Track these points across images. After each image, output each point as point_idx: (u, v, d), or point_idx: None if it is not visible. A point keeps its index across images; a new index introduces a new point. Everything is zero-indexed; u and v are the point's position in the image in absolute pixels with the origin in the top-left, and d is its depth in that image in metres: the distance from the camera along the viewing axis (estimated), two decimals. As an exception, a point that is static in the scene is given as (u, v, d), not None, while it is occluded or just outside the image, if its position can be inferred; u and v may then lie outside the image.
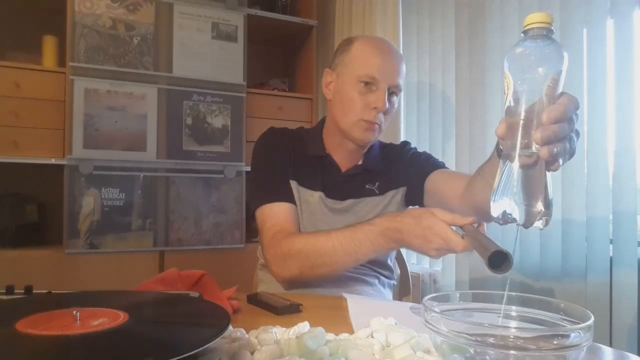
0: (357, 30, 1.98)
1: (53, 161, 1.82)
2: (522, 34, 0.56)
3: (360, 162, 1.16)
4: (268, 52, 2.57)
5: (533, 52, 0.54)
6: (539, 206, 0.53)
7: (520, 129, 0.55)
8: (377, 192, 1.14)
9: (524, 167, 0.54)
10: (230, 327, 0.56)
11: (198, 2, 2.00)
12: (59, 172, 1.82)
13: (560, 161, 0.57)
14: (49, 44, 1.95)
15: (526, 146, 0.54)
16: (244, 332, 0.58)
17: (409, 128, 1.82)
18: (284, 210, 1.06)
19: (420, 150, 1.22)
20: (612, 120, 1.14)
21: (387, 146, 1.25)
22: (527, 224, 0.54)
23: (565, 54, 0.54)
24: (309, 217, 1.11)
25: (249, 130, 2.11)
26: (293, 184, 1.12)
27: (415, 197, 1.15)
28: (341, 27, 2.12)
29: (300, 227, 1.10)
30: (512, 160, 0.55)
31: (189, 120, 1.99)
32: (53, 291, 0.73)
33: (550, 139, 0.54)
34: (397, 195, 1.15)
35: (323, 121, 1.22)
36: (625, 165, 1.11)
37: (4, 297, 0.70)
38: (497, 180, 0.56)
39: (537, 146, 0.54)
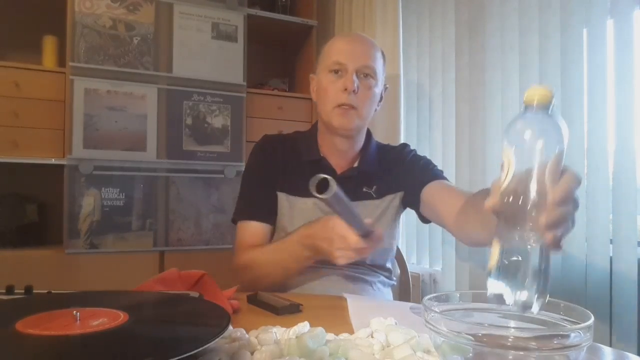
0: (357, 30, 1.98)
1: (53, 161, 1.82)
2: (523, 107, 0.53)
3: (356, 164, 1.16)
4: (268, 52, 2.57)
5: (535, 128, 0.51)
6: (533, 293, 0.50)
7: (519, 209, 0.51)
8: (375, 195, 1.13)
9: (523, 251, 0.51)
10: (230, 327, 0.56)
11: (198, 2, 2.00)
12: (59, 172, 1.82)
13: (562, 242, 0.52)
14: (49, 44, 1.95)
15: (526, 227, 0.51)
16: (244, 332, 0.58)
17: (409, 128, 1.82)
18: (254, 229, 1.12)
19: (421, 151, 1.22)
20: (612, 120, 1.14)
21: (384, 147, 1.25)
22: (521, 311, 0.51)
23: (567, 131, 0.51)
24: (301, 221, 1.09)
25: (249, 130, 2.11)
26: (282, 195, 1.13)
27: (411, 203, 1.15)
28: (341, 27, 2.12)
29: (292, 229, 1.11)
30: (509, 241, 0.51)
31: (189, 120, 1.99)
32: (53, 291, 0.73)
33: (555, 223, 0.50)
34: (395, 199, 1.15)
35: (317, 124, 1.22)
36: (625, 165, 1.11)
37: (4, 297, 0.70)
38: (494, 259, 0.51)
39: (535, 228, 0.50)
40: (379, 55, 1.13)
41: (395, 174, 1.16)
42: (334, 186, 0.62)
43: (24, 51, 2.02)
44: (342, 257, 0.86)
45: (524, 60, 1.34)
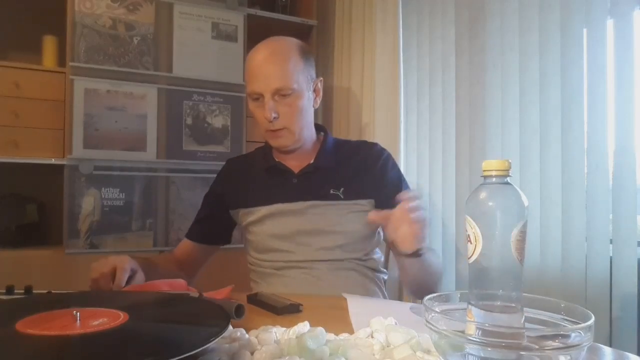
0: (357, 30, 1.98)
1: (53, 161, 1.82)
2: (482, 177, 0.55)
3: (312, 161, 1.18)
4: (268, 52, 2.57)
5: (497, 199, 0.53)
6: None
7: (491, 281, 0.53)
8: (342, 197, 1.15)
9: (498, 318, 0.52)
10: (230, 327, 0.56)
11: (198, 2, 2.00)
12: (59, 172, 1.81)
13: None
14: (49, 44, 1.95)
15: (499, 297, 0.52)
16: (244, 332, 0.58)
17: (409, 128, 1.82)
18: (182, 244, 1.31)
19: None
20: (612, 120, 1.14)
21: (347, 143, 1.27)
22: None
23: (526, 198, 0.53)
24: (270, 227, 1.16)
25: (249, 130, 2.11)
26: (242, 211, 1.21)
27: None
28: (341, 27, 2.12)
29: (264, 238, 1.17)
30: (485, 309, 0.53)
31: (189, 120, 1.99)
32: (53, 291, 0.73)
33: None
34: (366, 206, 1.15)
35: None
36: (625, 165, 1.11)
37: (4, 297, 0.70)
38: (471, 327, 0.51)
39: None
40: (293, 62, 1.10)
41: (366, 179, 1.16)
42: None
43: (24, 51, 2.01)
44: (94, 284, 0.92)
45: (524, 60, 1.34)
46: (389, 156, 1.21)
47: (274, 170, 1.19)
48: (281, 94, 1.09)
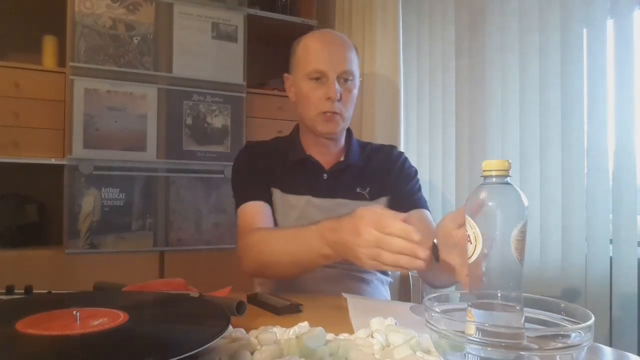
0: (357, 30, 1.98)
1: (53, 161, 1.82)
2: (482, 177, 0.55)
3: (342, 159, 1.18)
4: (268, 52, 2.57)
5: (497, 199, 0.53)
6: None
7: (491, 282, 0.53)
8: (368, 197, 1.15)
9: (498, 316, 0.52)
10: (230, 327, 0.56)
11: (198, 2, 2.00)
12: (59, 172, 1.82)
13: None
14: (49, 44, 1.95)
15: (499, 296, 0.53)
16: (244, 332, 0.58)
17: (409, 128, 1.82)
18: (252, 208, 1.09)
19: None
20: (612, 120, 1.14)
21: (368, 145, 1.26)
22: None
23: (525, 198, 0.53)
24: (297, 221, 1.10)
25: (249, 130, 2.11)
26: (276, 192, 1.13)
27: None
28: (341, 27, 2.12)
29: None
30: (483, 308, 0.53)
31: (189, 120, 1.99)
32: (53, 291, 0.73)
33: None
34: (382, 204, 1.15)
35: (298, 126, 1.24)
36: (625, 165, 1.11)
37: (4, 297, 0.70)
38: (471, 327, 0.50)
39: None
40: (354, 53, 1.14)
41: (387, 177, 1.17)
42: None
43: (24, 51, 2.01)
44: (370, 260, 0.70)
45: (524, 61, 1.34)
46: (406, 157, 1.24)
47: (305, 163, 1.16)
48: (344, 77, 1.10)
